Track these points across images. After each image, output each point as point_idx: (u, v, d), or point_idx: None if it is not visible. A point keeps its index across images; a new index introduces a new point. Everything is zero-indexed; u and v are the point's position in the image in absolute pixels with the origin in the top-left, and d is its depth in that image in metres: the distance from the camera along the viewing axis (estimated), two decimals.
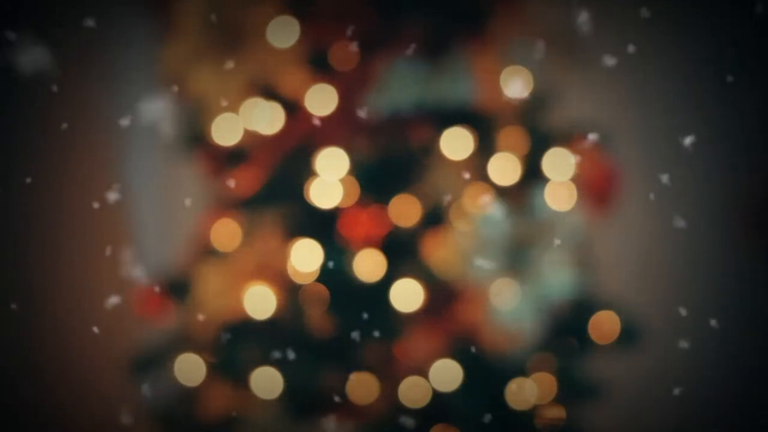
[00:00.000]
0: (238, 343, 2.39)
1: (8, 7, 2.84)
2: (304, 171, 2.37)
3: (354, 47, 2.40)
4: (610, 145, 2.49)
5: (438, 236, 2.37)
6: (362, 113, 2.35)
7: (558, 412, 2.43)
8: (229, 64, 2.34)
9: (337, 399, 2.34)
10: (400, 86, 2.38)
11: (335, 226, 2.38)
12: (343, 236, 2.38)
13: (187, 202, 2.30)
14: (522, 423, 2.40)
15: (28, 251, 3.03)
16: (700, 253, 3.16)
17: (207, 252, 2.46)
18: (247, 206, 2.43)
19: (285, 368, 2.35)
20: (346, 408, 2.37)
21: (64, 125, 2.94)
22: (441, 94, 2.39)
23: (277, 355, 2.33)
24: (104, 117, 3.10)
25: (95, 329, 2.28)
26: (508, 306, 2.34)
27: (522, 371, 2.40)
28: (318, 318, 2.36)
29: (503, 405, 2.37)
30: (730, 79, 2.95)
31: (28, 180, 2.81)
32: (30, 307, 3.02)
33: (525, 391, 2.39)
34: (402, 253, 2.38)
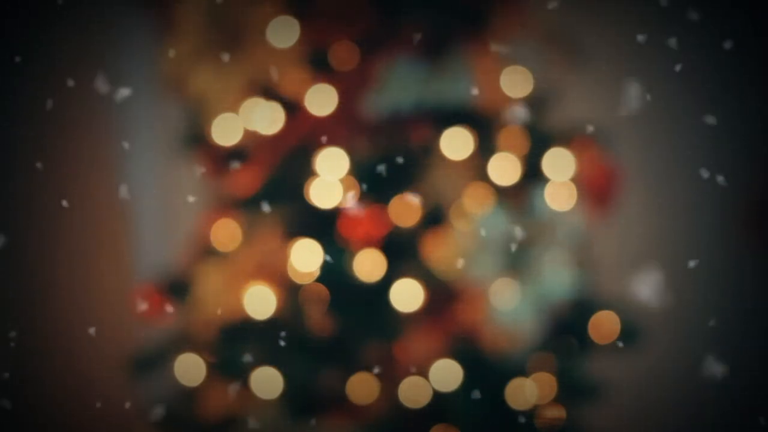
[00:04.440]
0: (238, 343, 2.39)
1: (9, 8, 2.84)
2: (304, 171, 2.37)
3: (354, 47, 2.41)
4: (610, 145, 2.49)
5: (438, 236, 2.37)
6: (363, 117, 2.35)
7: (558, 412, 2.43)
8: (226, 58, 2.34)
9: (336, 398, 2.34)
10: (400, 86, 2.38)
11: (335, 226, 2.38)
12: (343, 236, 2.38)
13: (190, 198, 2.30)
14: (522, 423, 2.40)
15: (28, 252, 3.03)
16: (700, 254, 3.16)
17: (207, 252, 2.46)
18: (247, 206, 2.43)
19: (285, 368, 2.35)
20: (346, 408, 2.37)
21: (64, 119, 2.94)
22: (441, 94, 2.39)
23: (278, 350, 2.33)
24: (104, 117, 3.10)
25: (91, 330, 2.28)
26: (508, 306, 2.34)
27: (522, 371, 2.40)
28: (318, 318, 2.36)
29: (503, 405, 2.38)
30: (730, 78, 2.95)
31: (28, 181, 2.81)
32: (30, 308, 3.02)
33: (525, 391, 2.40)
34: (402, 253, 2.38)
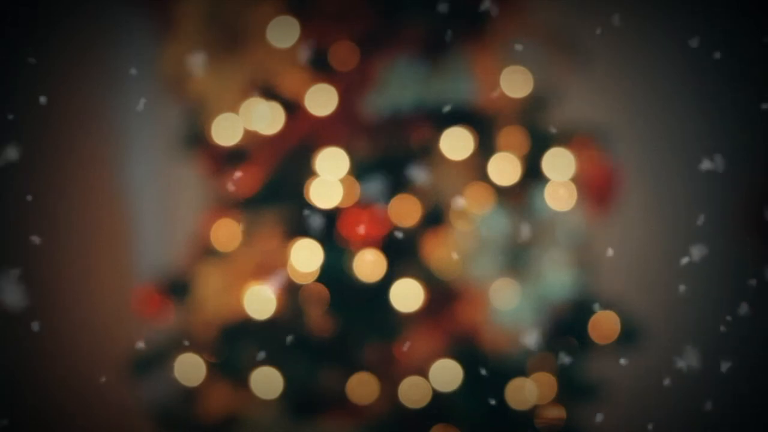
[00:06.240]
0: (238, 343, 2.39)
1: (9, 8, 2.84)
2: (304, 171, 2.37)
3: (354, 48, 2.41)
4: (610, 145, 2.49)
5: (438, 236, 2.37)
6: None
7: (558, 412, 2.43)
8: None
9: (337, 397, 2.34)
10: (400, 86, 2.38)
11: (335, 226, 2.38)
12: (343, 236, 2.38)
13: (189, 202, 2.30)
14: (522, 423, 2.40)
15: (29, 253, 3.03)
16: (700, 254, 3.16)
17: (207, 252, 2.46)
18: (247, 206, 2.43)
19: (285, 368, 2.35)
20: (346, 408, 2.37)
21: (64, 124, 2.94)
22: (441, 94, 2.39)
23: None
24: (104, 117, 3.10)
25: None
26: (508, 306, 2.34)
27: (522, 371, 2.40)
28: (318, 318, 2.36)
29: (503, 405, 2.38)
30: (731, 78, 2.94)
31: (29, 181, 2.81)
32: (31, 308, 3.02)
33: (525, 391, 2.40)
34: (402, 253, 2.38)
